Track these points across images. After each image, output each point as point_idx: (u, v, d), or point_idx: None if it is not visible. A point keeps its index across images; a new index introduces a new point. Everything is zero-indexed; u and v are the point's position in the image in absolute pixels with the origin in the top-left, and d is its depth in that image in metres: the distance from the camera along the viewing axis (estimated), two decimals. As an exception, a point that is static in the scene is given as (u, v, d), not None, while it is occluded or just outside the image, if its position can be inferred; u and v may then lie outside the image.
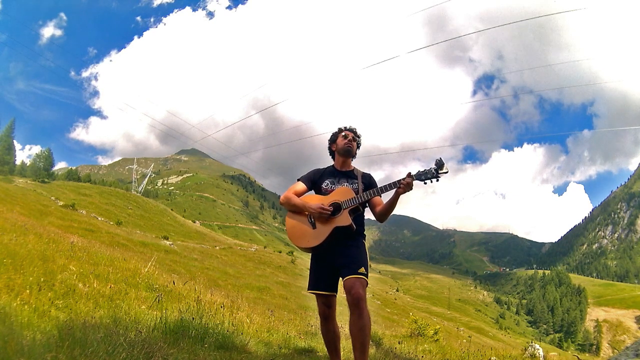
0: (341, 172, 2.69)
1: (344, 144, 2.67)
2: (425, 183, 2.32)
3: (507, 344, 27.39)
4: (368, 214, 2.68)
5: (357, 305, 2.22)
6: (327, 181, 2.64)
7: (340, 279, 2.42)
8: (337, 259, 2.43)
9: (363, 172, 2.72)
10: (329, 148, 2.78)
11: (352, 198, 2.45)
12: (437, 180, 2.29)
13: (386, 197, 2.53)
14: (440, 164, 2.27)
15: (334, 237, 2.41)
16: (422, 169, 2.33)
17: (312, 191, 2.69)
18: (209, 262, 30.02)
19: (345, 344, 3.22)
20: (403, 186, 2.33)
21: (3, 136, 60.40)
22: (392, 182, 2.39)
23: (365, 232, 2.64)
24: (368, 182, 2.65)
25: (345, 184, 2.61)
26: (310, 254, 2.59)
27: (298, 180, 2.69)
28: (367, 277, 2.37)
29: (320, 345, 3.57)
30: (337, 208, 2.46)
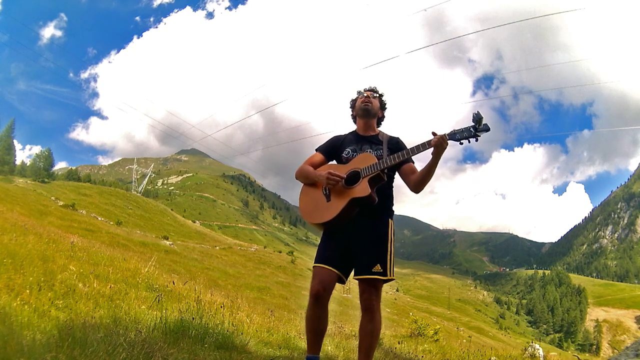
0: (364, 138, 2.30)
1: (361, 101, 2.31)
2: (461, 143, 1.92)
3: (507, 344, 27.39)
4: (400, 188, 2.31)
5: (368, 309, 2.06)
6: (347, 149, 2.26)
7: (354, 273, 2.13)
8: (355, 240, 2.09)
9: (390, 136, 2.30)
10: (351, 115, 2.44)
11: (373, 164, 2.04)
12: (476, 140, 1.88)
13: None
14: (478, 119, 1.83)
15: (351, 210, 2.04)
16: (457, 127, 1.92)
17: (334, 161, 2.32)
18: (209, 262, 30.04)
19: (346, 344, 3.22)
20: (435, 147, 1.93)
21: (3, 136, 60.40)
22: (421, 144, 2.00)
23: (394, 207, 2.24)
24: (395, 147, 2.22)
25: (369, 150, 2.22)
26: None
27: (316, 150, 2.35)
28: (386, 275, 2.05)
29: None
30: (355, 176, 2.07)
